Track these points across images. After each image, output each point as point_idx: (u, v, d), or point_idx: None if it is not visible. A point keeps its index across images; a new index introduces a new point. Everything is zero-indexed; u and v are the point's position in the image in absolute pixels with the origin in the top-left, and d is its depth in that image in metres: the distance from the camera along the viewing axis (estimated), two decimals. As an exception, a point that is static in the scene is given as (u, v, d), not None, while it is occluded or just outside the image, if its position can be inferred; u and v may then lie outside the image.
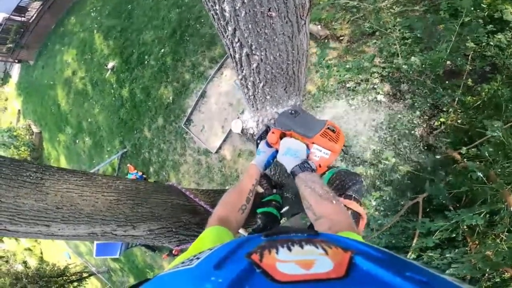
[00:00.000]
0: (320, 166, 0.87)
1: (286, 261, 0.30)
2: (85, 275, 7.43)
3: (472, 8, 2.15)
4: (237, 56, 0.72)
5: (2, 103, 10.75)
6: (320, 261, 0.29)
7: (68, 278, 6.98)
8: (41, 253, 9.45)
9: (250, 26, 0.61)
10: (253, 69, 0.75)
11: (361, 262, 0.28)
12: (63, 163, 7.34)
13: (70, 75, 7.14)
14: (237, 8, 0.55)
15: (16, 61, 10.02)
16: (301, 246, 0.33)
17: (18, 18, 9.30)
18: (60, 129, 7.35)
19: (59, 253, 8.56)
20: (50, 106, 7.76)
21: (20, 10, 9.44)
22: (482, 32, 2.15)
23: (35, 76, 8.96)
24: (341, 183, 1.16)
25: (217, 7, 0.57)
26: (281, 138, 0.93)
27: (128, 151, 5.42)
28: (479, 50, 2.21)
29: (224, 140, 3.90)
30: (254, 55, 0.70)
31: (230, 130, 3.76)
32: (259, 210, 1.58)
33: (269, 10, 0.57)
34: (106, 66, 5.92)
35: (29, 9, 9.43)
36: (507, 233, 1.66)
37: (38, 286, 5.96)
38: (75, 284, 7.09)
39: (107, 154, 5.88)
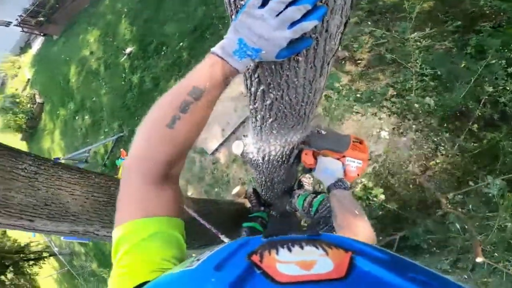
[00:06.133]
0: (358, 175, 0.98)
1: (286, 262, 0.29)
2: (45, 254, 7.14)
3: (500, 47, 2.07)
4: (252, 89, 0.71)
5: (14, 71, 10.80)
6: (321, 262, 0.29)
7: (26, 256, 6.70)
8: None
9: (273, 66, 0.59)
10: (265, 105, 0.74)
11: (362, 263, 0.28)
12: (57, 137, 7.30)
13: (87, 54, 7.18)
14: (264, 46, 0.54)
15: (42, 34, 10.04)
16: (301, 247, 0.33)
17: (58, -7, 9.25)
18: (63, 103, 7.33)
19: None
20: (60, 80, 7.78)
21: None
22: (501, 74, 2.06)
23: (54, 50, 9.02)
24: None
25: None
26: (313, 156, 1.00)
27: (125, 136, 5.39)
28: (494, 94, 2.12)
29: (222, 144, 3.88)
30: (270, 93, 0.69)
31: (230, 134, 3.75)
32: (244, 224, 1.60)
33: (297, 54, 0.54)
34: (124, 51, 5.99)
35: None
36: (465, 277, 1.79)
37: (-8, 261, 5.62)
38: (31, 262, 6.80)
39: (103, 135, 5.85)
